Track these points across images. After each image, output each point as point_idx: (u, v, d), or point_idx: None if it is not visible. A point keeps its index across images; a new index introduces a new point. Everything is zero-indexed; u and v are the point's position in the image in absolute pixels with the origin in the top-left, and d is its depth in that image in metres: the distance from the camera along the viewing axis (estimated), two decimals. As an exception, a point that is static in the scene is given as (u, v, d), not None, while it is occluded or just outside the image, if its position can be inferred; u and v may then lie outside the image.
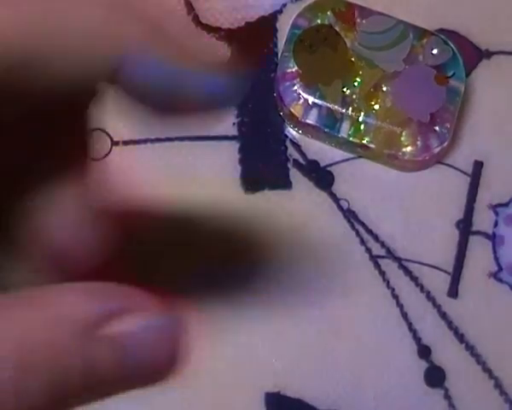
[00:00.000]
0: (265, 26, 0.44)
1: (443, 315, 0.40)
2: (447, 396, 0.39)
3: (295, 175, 0.42)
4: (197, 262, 0.40)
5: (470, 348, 0.40)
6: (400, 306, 0.41)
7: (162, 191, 0.41)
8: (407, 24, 0.43)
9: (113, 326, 0.23)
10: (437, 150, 0.41)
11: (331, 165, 0.42)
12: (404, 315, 0.40)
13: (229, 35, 0.44)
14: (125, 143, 0.42)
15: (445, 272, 0.41)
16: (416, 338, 0.40)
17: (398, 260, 0.41)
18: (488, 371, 0.40)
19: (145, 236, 0.36)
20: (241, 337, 0.40)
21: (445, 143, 0.41)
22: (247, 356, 0.40)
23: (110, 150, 0.41)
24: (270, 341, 0.40)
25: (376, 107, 0.41)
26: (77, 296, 0.23)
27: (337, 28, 0.43)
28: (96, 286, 0.23)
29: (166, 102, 0.24)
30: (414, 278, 0.41)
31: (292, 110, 0.42)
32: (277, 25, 0.44)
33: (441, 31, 0.44)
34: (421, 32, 0.42)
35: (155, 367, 0.24)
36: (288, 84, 0.42)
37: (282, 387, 0.40)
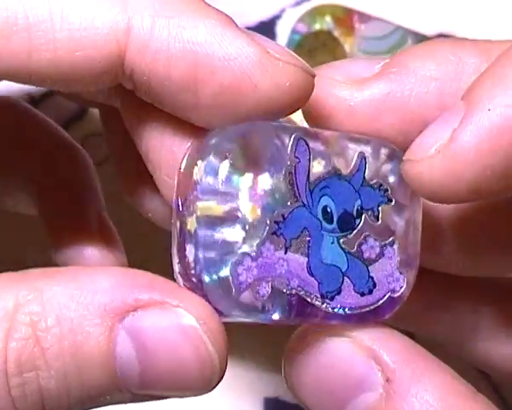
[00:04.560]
0: (264, 31, 0.44)
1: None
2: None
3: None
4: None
5: None
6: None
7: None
8: (406, 29, 0.43)
9: (135, 318, 0.22)
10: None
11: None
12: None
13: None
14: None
15: None
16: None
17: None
18: None
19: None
20: (241, 343, 0.40)
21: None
22: (246, 362, 0.40)
23: (109, 155, 0.41)
24: (270, 346, 0.40)
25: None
26: (109, 281, 0.23)
27: (336, 34, 0.43)
28: (130, 273, 0.23)
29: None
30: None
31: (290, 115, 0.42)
32: (276, 30, 0.44)
33: (440, 36, 0.44)
34: (420, 38, 0.42)
35: (182, 372, 0.23)
36: (287, 89, 0.42)
37: (281, 392, 0.40)
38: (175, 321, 0.22)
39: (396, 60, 0.25)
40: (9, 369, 0.22)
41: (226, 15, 0.24)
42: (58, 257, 0.32)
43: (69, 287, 0.22)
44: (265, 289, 0.23)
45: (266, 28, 0.44)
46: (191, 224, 0.23)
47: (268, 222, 0.23)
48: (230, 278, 0.23)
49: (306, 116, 0.25)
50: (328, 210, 0.24)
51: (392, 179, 0.25)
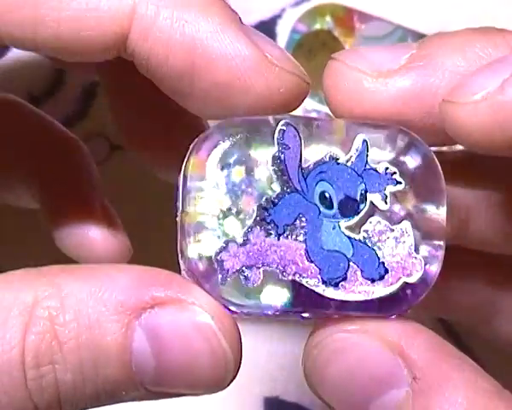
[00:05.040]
0: (265, 30, 0.44)
1: None
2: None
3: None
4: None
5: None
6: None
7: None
8: (406, 29, 0.43)
9: (152, 315, 0.23)
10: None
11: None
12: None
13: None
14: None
15: None
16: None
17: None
18: None
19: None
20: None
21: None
22: (247, 361, 0.40)
23: (110, 155, 0.42)
24: (270, 346, 0.40)
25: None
26: (126, 278, 0.23)
27: (336, 33, 0.43)
28: (147, 271, 0.23)
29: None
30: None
31: (291, 114, 0.42)
32: (277, 30, 0.44)
33: (440, 36, 0.44)
34: (420, 37, 0.42)
35: (196, 369, 0.23)
36: (287, 88, 0.42)
37: (281, 392, 0.40)
38: (190, 319, 0.23)
39: (424, 52, 0.25)
40: (27, 361, 0.22)
41: (232, 12, 0.24)
42: (61, 242, 0.32)
43: (87, 284, 0.23)
44: (256, 275, 0.23)
45: (266, 28, 0.44)
46: (184, 219, 0.23)
47: (255, 209, 0.23)
48: (215, 264, 0.23)
49: (329, 106, 0.25)
50: (327, 195, 0.24)
51: (410, 166, 0.24)
